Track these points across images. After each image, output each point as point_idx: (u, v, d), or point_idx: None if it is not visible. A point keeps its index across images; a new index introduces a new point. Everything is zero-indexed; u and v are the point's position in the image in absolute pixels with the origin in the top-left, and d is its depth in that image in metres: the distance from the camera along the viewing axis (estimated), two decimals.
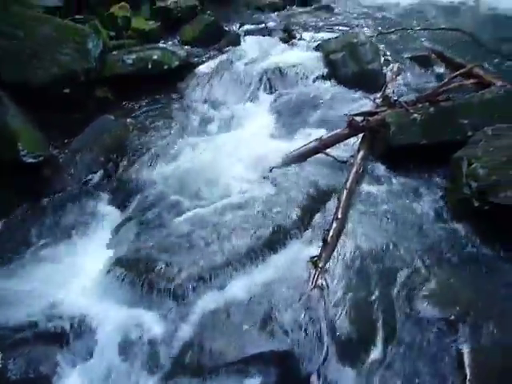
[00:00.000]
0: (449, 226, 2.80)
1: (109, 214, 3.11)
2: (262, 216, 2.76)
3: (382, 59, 4.49)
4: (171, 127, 3.89)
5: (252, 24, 5.92)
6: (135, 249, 2.64)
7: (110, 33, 5.19)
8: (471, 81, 3.82)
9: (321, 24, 5.71)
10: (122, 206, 3.18)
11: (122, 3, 5.62)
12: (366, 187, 3.09)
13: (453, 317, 2.18)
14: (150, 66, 4.55)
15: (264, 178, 3.19)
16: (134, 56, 4.59)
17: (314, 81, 4.42)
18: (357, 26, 5.57)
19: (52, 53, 3.96)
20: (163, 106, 4.22)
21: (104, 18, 5.37)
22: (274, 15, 6.33)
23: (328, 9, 6.42)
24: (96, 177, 3.42)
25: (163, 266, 2.41)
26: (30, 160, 3.22)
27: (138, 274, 2.40)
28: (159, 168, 3.37)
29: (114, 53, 4.69)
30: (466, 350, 2.05)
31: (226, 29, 5.59)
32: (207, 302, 2.28)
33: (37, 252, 2.78)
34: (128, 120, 3.97)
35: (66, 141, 3.76)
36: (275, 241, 2.61)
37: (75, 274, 2.59)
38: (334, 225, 2.68)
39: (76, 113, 4.02)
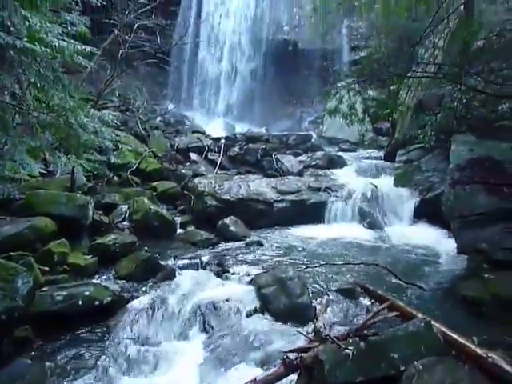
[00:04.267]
0: None
1: None
2: None
3: (311, 293, 4.73)
4: (95, 370, 3.59)
5: (187, 259, 6.16)
6: None
7: (45, 268, 5.19)
8: (394, 313, 4.05)
9: (252, 258, 6.08)
10: None
11: (62, 239, 5.81)
12: None
13: None
14: (80, 302, 4.46)
15: None
16: (64, 292, 4.53)
17: (247, 315, 4.47)
18: (285, 260, 6.00)
19: None
20: (89, 346, 3.96)
21: (40, 253, 5.46)
22: (208, 250, 6.66)
23: (258, 244, 6.98)
24: None
25: None
26: None
27: None
28: None
29: (45, 289, 4.60)
30: None
31: (162, 263, 5.76)
32: None
33: None
34: (47, 364, 3.63)
35: None
36: None
37: None
38: None
39: None
